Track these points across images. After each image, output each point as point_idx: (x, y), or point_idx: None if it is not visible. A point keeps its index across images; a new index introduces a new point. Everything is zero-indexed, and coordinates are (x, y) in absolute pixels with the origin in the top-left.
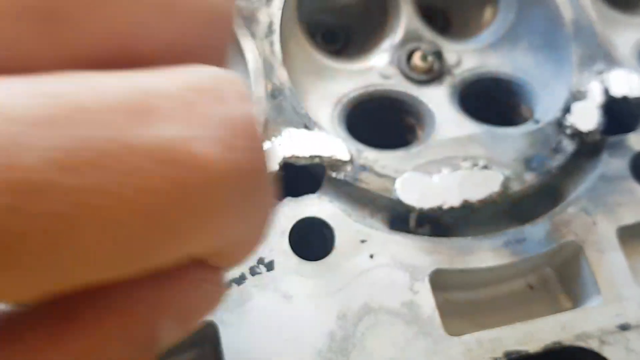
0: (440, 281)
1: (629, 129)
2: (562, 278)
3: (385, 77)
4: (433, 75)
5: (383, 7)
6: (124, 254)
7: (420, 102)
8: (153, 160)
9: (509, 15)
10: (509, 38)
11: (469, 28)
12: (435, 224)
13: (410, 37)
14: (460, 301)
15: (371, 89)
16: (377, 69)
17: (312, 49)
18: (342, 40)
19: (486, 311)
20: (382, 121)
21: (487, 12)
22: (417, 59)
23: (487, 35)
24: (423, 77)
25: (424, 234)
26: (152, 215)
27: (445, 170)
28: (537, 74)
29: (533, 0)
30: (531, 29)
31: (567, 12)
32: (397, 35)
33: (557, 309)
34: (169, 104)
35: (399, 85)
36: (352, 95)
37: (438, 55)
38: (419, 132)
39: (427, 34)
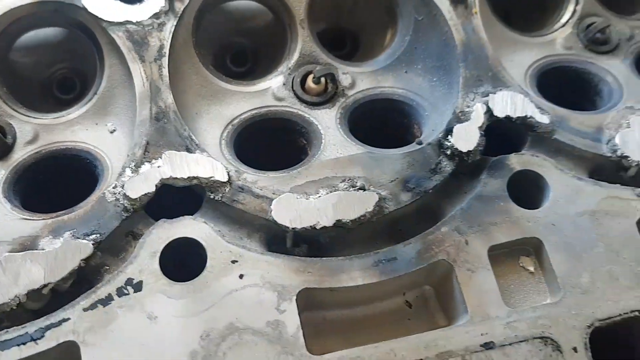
0: (310, 301)
1: (514, 149)
2: (440, 296)
3: (279, 99)
4: (326, 97)
5: (283, 30)
6: None
7: (310, 124)
8: None
9: (405, 38)
10: (405, 60)
11: (373, 51)
12: (311, 244)
13: (305, 60)
14: (335, 320)
15: (263, 110)
16: (271, 91)
17: (207, 72)
18: (250, 62)
19: (362, 329)
20: (274, 142)
21: (388, 35)
22: (310, 82)
23: (384, 58)
24: (316, 99)
25: (300, 254)
26: None
27: (323, 191)
28: (430, 95)
29: (428, 22)
30: (426, 52)
31: (458, 35)
32: (293, 57)
33: (433, 327)
34: None
35: (292, 107)
36: (243, 117)
37: (331, 77)
38: (309, 153)
39: (323, 56)
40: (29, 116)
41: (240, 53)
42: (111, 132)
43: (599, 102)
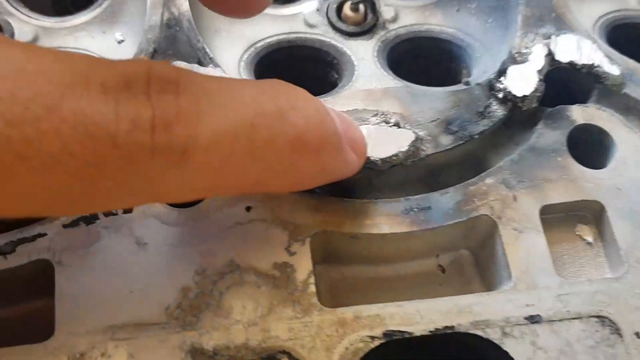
0: (327, 249)
1: (576, 101)
2: (479, 262)
3: (311, 25)
4: (364, 27)
5: None
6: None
7: (343, 54)
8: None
9: None
10: None
11: None
12: (333, 185)
13: None
14: (355, 277)
15: (291, 36)
16: (303, 16)
17: None
18: None
19: (385, 291)
20: (301, 73)
21: None
22: (347, 9)
23: None
24: (352, 29)
25: (321, 194)
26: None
27: None
28: (483, 36)
29: None
30: None
31: None
32: None
33: None
34: None
35: (325, 35)
36: (269, 40)
37: (372, 6)
38: (339, 85)
39: None
40: (29, 16)
41: None
42: (119, 43)
43: None
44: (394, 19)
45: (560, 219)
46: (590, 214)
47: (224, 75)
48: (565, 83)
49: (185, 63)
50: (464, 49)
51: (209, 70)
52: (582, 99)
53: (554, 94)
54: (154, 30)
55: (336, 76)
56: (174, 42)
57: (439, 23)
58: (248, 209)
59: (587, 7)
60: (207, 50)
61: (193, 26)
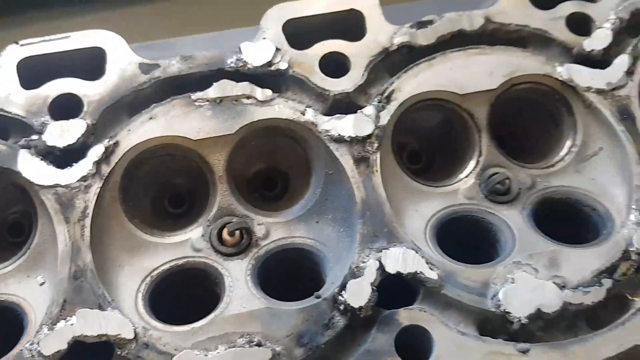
0: None
1: (411, 301)
2: None
3: (197, 250)
4: (240, 248)
5: (205, 185)
6: None
7: (222, 275)
8: None
9: (317, 190)
10: (317, 210)
11: (301, 193)
12: None
13: (224, 213)
14: None
15: (181, 261)
16: (190, 242)
17: (131, 226)
18: (187, 204)
19: None
20: (191, 292)
21: (303, 187)
22: (225, 234)
23: (298, 208)
24: (231, 250)
25: None
26: None
27: (222, 347)
28: (335, 246)
29: (337, 177)
30: (336, 204)
31: (358, 193)
32: (212, 210)
33: None
34: None
35: (208, 257)
36: (162, 268)
37: (245, 229)
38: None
39: (241, 208)
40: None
41: (177, 195)
42: (40, 285)
43: (500, 251)
44: (266, 236)
45: None
46: None
47: (119, 317)
48: (401, 285)
49: (89, 309)
50: (321, 258)
51: (107, 314)
52: (415, 297)
53: (393, 294)
54: (63, 283)
55: (219, 291)
56: (80, 292)
57: (302, 235)
58: None
59: (423, 208)
60: (107, 295)
61: (95, 275)
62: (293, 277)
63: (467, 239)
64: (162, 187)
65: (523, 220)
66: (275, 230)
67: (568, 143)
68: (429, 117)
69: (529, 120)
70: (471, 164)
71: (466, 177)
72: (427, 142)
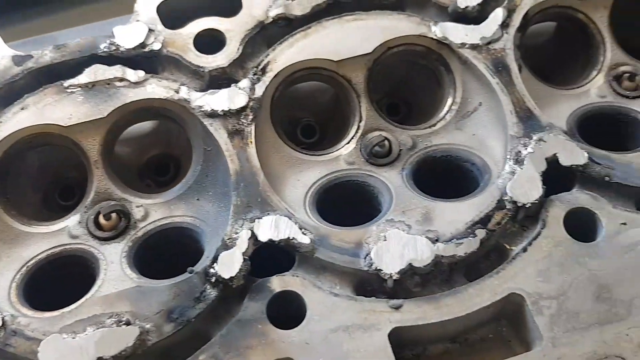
0: None
1: (289, 268)
2: None
3: (74, 237)
4: (117, 231)
5: (84, 170)
6: None
7: (97, 260)
8: None
9: (197, 167)
10: (197, 188)
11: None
12: None
13: (101, 198)
14: None
15: (57, 249)
16: (67, 230)
17: (8, 218)
18: (77, 196)
19: None
20: (65, 280)
21: (189, 166)
22: (101, 218)
23: (179, 187)
24: (108, 234)
25: None
26: None
27: (90, 329)
28: (214, 222)
29: (214, 153)
30: (216, 179)
31: (232, 165)
32: (89, 196)
33: None
34: None
35: (85, 243)
36: (39, 257)
37: (122, 212)
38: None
39: (118, 192)
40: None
41: (68, 188)
42: None
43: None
44: (145, 218)
45: None
46: None
47: None
48: (277, 254)
49: None
50: (201, 235)
51: None
52: (291, 264)
53: (271, 264)
54: None
55: (96, 276)
56: None
57: (182, 214)
58: None
59: (304, 177)
60: None
61: None
62: (176, 257)
63: (350, 204)
64: (53, 181)
65: (402, 180)
66: (155, 211)
67: (449, 101)
68: (323, 92)
69: (416, 83)
70: (352, 130)
71: (347, 143)
72: (320, 115)
